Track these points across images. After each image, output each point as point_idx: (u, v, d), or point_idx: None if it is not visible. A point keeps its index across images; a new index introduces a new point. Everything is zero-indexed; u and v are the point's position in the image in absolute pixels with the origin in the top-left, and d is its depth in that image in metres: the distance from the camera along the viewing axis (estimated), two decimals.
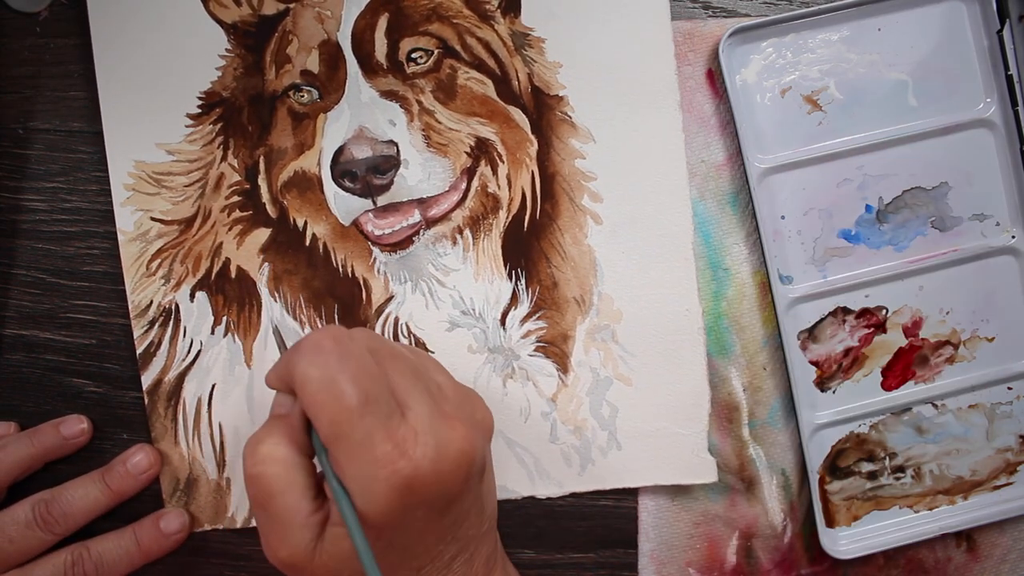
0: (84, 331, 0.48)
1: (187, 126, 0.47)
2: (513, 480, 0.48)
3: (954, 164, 0.48)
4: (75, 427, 0.48)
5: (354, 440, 0.34)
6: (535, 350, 0.48)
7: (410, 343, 0.48)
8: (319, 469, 0.37)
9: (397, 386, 0.36)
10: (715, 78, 0.48)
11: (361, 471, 0.34)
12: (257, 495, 0.36)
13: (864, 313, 0.49)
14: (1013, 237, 0.48)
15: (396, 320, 0.48)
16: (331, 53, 0.47)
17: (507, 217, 0.47)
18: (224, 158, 0.47)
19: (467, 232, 0.48)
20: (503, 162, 0.47)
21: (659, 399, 0.48)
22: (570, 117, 0.47)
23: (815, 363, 0.49)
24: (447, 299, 0.48)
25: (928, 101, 0.48)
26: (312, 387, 0.34)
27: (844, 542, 0.49)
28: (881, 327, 0.49)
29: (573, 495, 0.48)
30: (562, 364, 0.48)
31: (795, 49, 0.47)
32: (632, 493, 0.49)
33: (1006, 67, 0.47)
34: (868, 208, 0.48)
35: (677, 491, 0.49)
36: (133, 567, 0.46)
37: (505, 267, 0.48)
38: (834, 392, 0.49)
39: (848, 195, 0.48)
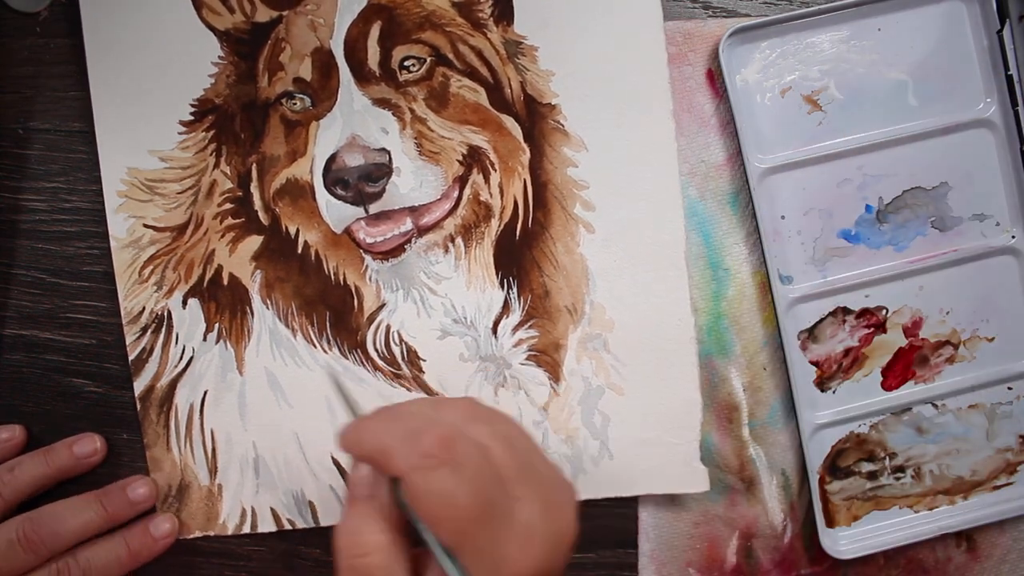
0: (84, 331, 0.49)
1: (180, 133, 0.47)
2: None
3: (954, 164, 0.48)
4: (89, 447, 0.48)
5: (477, 546, 0.34)
6: (527, 359, 0.48)
7: (402, 351, 0.48)
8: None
9: (507, 478, 0.35)
10: (715, 78, 0.48)
11: (483, 572, 0.34)
12: None
13: (864, 313, 0.49)
14: (1013, 237, 0.48)
15: (388, 328, 0.48)
16: (324, 61, 0.46)
17: (499, 226, 0.47)
18: (217, 165, 0.47)
19: (459, 240, 0.47)
20: (495, 170, 0.47)
21: (651, 408, 0.47)
22: (563, 126, 0.47)
23: (815, 363, 0.49)
24: (439, 307, 0.48)
25: (928, 101, 0.48)
26: (430, 502, 0.34)
27: (844, 542, 0.49)
28: (881, 327, 0.49)
29: None
30: (554, 373, 0.48)
31: (795, 49, 0.47)
32: None
33: (1006, 67, 0.47)
34: (868, 208, 0.48)
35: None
36: (123, 571, 0.46)
37: (497, 276, 0.47)
38: (834, 392, 0.49)
39: (848, 195, 0.48)
